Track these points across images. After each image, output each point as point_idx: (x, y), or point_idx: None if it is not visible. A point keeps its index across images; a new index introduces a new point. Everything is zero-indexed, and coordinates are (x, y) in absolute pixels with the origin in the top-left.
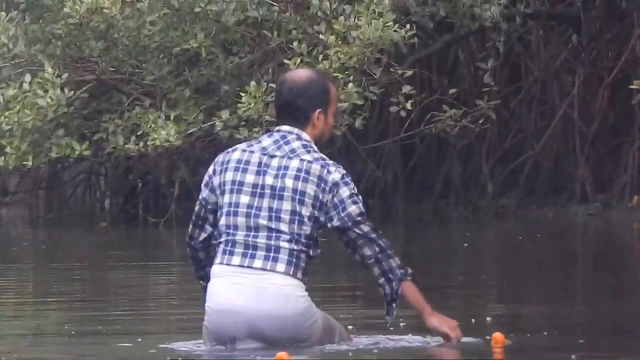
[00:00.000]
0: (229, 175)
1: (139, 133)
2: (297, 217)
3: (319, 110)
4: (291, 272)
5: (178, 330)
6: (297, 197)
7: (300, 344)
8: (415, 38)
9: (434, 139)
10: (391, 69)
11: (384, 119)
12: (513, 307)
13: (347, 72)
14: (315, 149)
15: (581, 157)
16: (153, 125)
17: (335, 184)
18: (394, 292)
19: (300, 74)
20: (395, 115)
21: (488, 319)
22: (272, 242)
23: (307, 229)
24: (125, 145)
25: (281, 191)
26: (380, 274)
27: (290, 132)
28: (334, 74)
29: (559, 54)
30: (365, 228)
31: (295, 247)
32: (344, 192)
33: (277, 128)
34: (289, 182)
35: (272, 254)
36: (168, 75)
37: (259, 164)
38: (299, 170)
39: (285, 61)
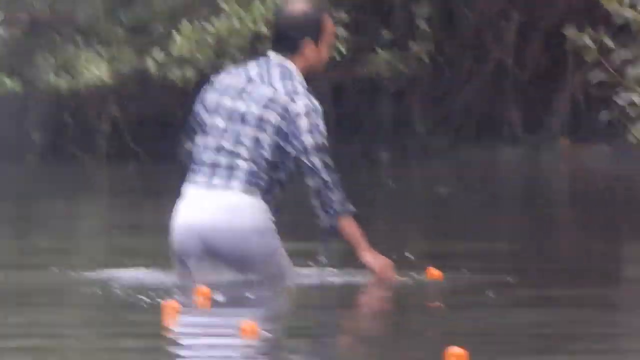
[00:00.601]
0: (212, 96)
1: (71, 71)
2: (258, 143)
3: (310, 40)
4: (249, 191)
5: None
6: (261, 124)
7: (247, 267)
8: None
9: (367, 82)
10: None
11: None
12: (437, 244)
13: None
14: (295, 78)
15: (513, 100)
16: (86, 63)
17: (297, 115)
18: (331, 226)
19: (296, 4)
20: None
21: (409, 255)
22: (233, 162)
23: (266, 153)
24: (57, 82)
25: (247, 116)
26: (319, 206)
27: (275, 60)
28: (268, 17)
29: (495, 1)
30: (314, 160)
31: (255, 168)
32: (303, 123)
33: (267, 54)
34: (256, 109)
35: (232, 172)
36: (102, 15)
37: (238, 89)
38: (268, 99)
39: (220, 2)
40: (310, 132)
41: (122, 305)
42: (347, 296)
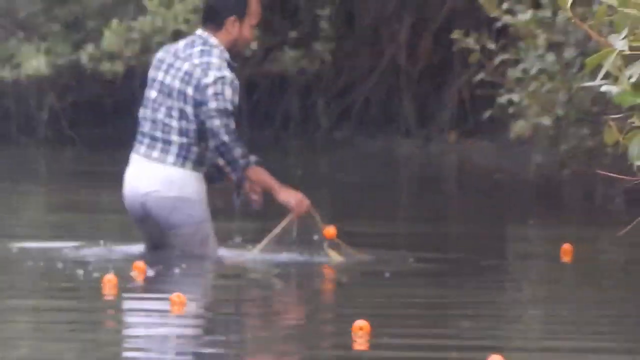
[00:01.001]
0: (150, 71)
1: (12, 62)
2: (184, 115)
3: (234, 17)
4: (180, 164)
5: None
6: (182, 97)
7: (176, 234)
8: None
9: (277, 77)
10: None
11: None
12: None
13: (199, 14)
14: (213, 53)
15: (406, 95)
16: (26, 56)
17: (206, 85)
18: (239, 180)
19: None
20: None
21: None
22: (167, 137)
23: (193, 125)
24: (1, 72)
25: (172, 91)
26: (225, 164)
27: (200, 36)
28: (189, 15)
29: (388, 2)
30: (216, 122)
31: (185, 141)
32: (210, 91)
33: (196, 31)
34: (177, 84)
35: (167, 147)
36: (40, 11)
37: (168, 64)
38: (186, 73)
39: (145, 2)
40: (216, 98)
41: (63, 276)
42: (264, 273)
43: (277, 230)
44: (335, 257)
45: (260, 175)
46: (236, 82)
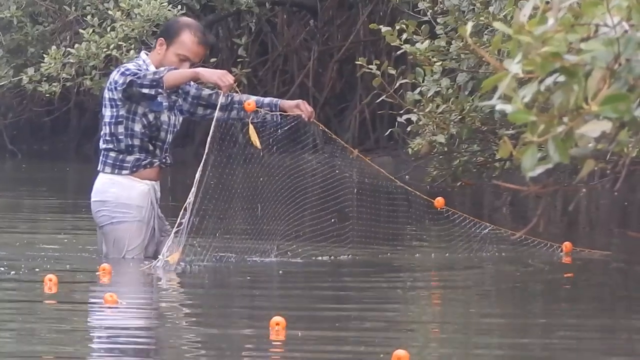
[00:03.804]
0: None
1: None
2: (103, 120)
3: (162, 39)
4: (99, 168)
5: None
6: (104, 103)
7: (103, 235)
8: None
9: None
10: None
11: None
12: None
13: (129, 42)
14: (132, 62)
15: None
16: None
17: (114, 79)
18: (160, 90)
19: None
20: None
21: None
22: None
23: (107, 128)
24: None
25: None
26: (147, 88)
27: (140, 53)
28: (119, 43)
29: (299, 34)
30: (125, 80)
31: (103, 146)
32: (115, 75)
33: None
34: (105, 93)
35: (100, 156)
36: None
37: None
38: (109, 82)
39: (81, 30)
40: (120, 76)
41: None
42: (185, 274)
43: (216, 113)
44: (254, 137)
45: (174, 74)
46: (137, 72)
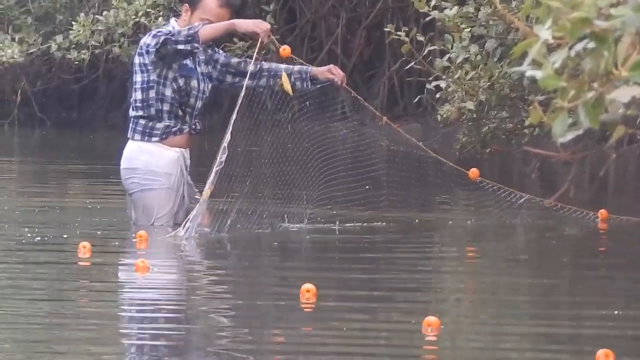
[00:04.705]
0: None
1: None
2: (133, 87)
3: (186, 5)
4: (129, 135)
5: None
6: (135, 69)
7: (132, 202)
8: None
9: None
10: None
11: None
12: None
13: (158, 8)
14: (162, 27)
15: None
16: (1, 45)
17: (145, 42)
18: (198, 45)
19: None
20: None
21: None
22: (130, 114)
23: (137, 93)
24: None
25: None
26: (182, 44)
27: (169, 20)
28: (148, 10)
29: (327, 1)
30: (161, 39)
31: (133, 113)
32: (146, 39)
33: None
34: (135, 59)
35: (129, 123)
36: (14, 5)
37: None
38: (139, 47)
39: None
40: (152, 38)
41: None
42: (214, 242)
43: (255, 54)
44: (286, 84)
45: (212, 27)
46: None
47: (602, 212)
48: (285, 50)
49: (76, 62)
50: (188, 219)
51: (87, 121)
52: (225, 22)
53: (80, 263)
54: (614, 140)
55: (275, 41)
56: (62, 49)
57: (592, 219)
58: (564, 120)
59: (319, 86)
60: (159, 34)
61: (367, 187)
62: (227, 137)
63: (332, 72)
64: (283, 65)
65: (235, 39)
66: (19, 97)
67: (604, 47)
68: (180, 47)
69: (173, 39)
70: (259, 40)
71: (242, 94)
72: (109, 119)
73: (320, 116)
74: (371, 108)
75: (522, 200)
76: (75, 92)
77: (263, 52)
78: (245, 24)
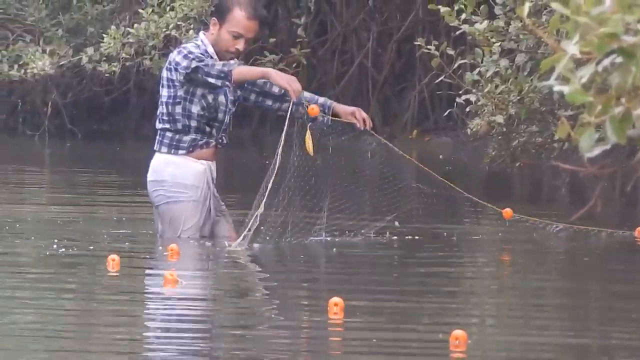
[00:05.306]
0: None
1: (20, 62)
2: (160, 100)
3: (214, 19)
4: (155, 148)
5: None
6: (162, 82)
7: (158, 214)
8: None
9: None
10: None
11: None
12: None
13: (188, 21)
14: (191, 43)
15: (372, 98)
16: (32, 57)
17: (174, 59)
18: (228, 83)
19: None
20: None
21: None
22: (157, 126)
23: (164, 107)
24: (9, 72)
25: (161, 80)
26: (213, 78)
27: (198, 33)
28: (179, 23)
29: (357, 14)
30: (190, 65)
31: (159, 126)
32: (178, 59)
33: None
34: (163, 72)
35: (157, 136)
36: (46, 17)
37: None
38: (167, 62)
39: (140, 10)
40: (183, 59)
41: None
42: (243, 256)
43: (287, 122)
44: (309, 145)
45: (244, 70)
46: (202, 59)
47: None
48: (313, 110)
49: (107, 75)
50: (248, 228)
51: (118, 133)
52: (261, 70)
53: (109, 275)
54: None
55: (305, 100)
56: (92, 61)
57: (624, 233)
58: (591, 135)
59: (343, 127)
60: (190, 55)
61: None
62: (268, 189)
63: (356, 117)
64: (308, 94)
65: (266, 52)
66: (49, 109)
67: (632, 63)
68: (212, 80)
69: (206, 69)
70: (290, 102)
71: (286, 125)
72: (140, 131)
73: (349, 129)
74: (396, 148)
75: (558, 229)
76: (106, 105)
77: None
78: (279, 78)
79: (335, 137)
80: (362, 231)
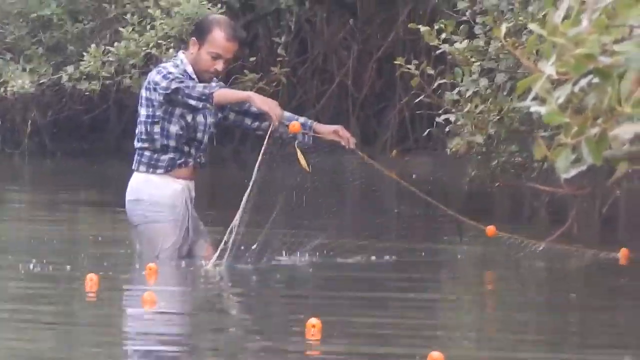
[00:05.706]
0: None
1: (0, 81)
2: (139, 119)
3: (194, 39)
4: (134, 167)
5: None
6: (141, 101)
7: (136, 234)
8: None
9: None
10: None
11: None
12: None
13: (169, 40)
14: (171, 62)
15: (352, 117)
16: (12, 75)
17: (154, 79)
18: (208, 105)
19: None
20: None
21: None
22: (135, 145)
23: (142, 126)
24: None
25: (140, 99)
26: (194, 100)
27: (177, 53)
28: (159, 41)
29: (338, 33)
30: (170, 86)
31: (138, 145)
32: (155, 76)
33: None
34: (142, 92)
35: (135, 155)
36: (26, 36)
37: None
38: (147, 82)
39: (120, 29)
40: (163, 79)
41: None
42: (221, 275)
43: (266, 142)
44: (302, 161)
45: (226, 93)
46: (182, 79)
47: (623, 251)
48: (294, 126)
49: (87, 93)
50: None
51: (98, 151)
52: (243, 93)
53: (87, 295)
54: (618, 176)
55: (285, 123)
56: (72, 79)
57: (607, 255)
58: (567, 156)
59: (327, 146)
60: (170, 75)
61: (377, 220)
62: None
63: (340, 135)
64: (288, 114)
65: (246, 71)
66: (29, 127)
67: (608, 83)
68: (192, 102)
69: (186, 91)
70: (270, 125)
71: (266, 143)
72: (120, 150)
73: (332, 147)
74: (380, 167)
75: (540, 249)
76: (86, 123)
77: (273, 133)
78: (261, 102)
79: (317, 157)
80: (339, 251)
